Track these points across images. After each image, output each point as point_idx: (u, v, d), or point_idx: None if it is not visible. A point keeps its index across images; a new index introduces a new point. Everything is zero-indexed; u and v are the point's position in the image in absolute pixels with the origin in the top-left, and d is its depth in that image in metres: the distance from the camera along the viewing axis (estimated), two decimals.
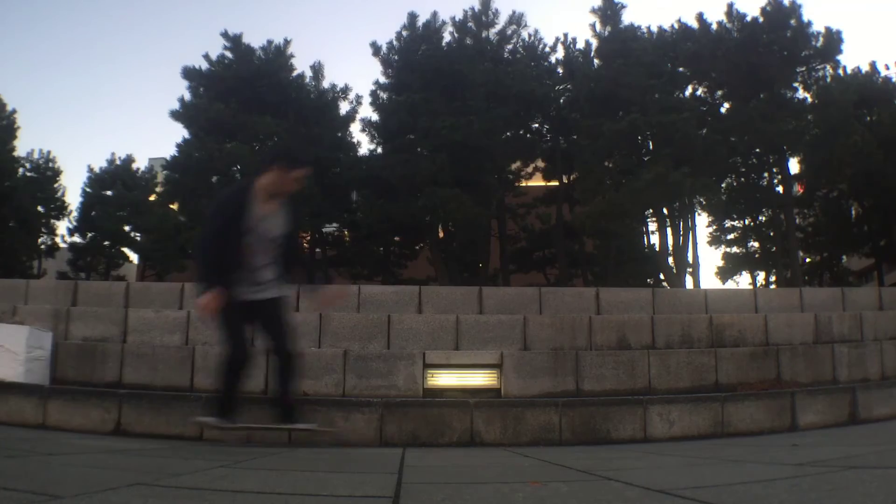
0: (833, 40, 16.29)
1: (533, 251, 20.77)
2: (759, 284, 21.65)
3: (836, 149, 15.58)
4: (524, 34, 19.47)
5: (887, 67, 23.97)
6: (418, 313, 5.41)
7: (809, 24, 16.31)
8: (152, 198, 21.21)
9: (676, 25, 17.72)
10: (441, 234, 18.82)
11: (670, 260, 17.04)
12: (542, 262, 20.60)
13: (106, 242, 21.26)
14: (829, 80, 16.73)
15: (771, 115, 15.26)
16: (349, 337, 4.84)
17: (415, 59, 17.69)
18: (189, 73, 18.24)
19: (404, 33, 18.49)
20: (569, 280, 18.55)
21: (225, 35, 18.94)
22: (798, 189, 19.89)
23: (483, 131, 16.01)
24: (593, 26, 17.70)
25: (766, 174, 18.31)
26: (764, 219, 20.19)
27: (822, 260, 22.01)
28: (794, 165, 18.44)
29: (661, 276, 18.10)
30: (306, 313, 5.16)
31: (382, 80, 18.58)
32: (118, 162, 22.40)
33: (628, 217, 16.12)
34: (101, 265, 21.44)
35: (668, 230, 16.93)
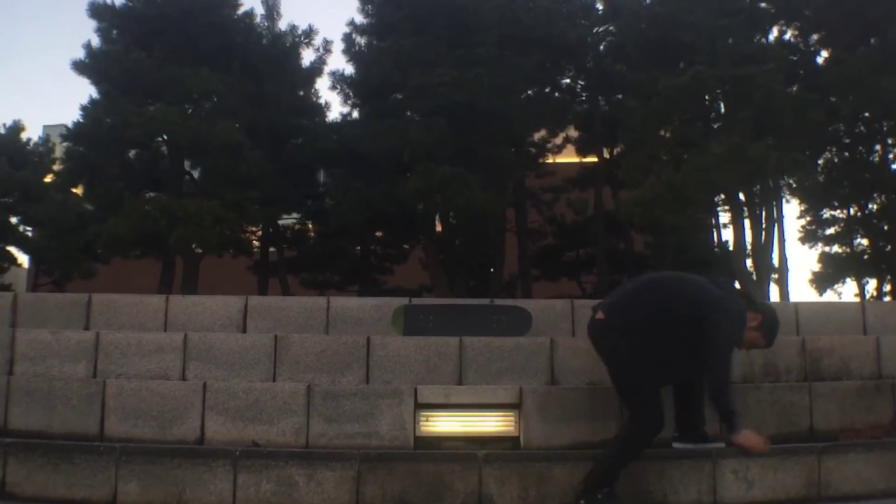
0: None
1: (563, 251, 20.83)
2: (868, 296, 21.59)
3: None
4: None
5: None
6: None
7: None
8: (48, 179, 21.23)
9: None
10: (439, 229, 18.84)
11: (748, 263, 17.05)
12: (575, 267, 20.65)
13: None
14: None
15: (885, 68, 15.24)
16: (314, 366, 4.84)
17: None
18: (98, 10, 18.17)
19: None
20: (611, 290, 18.61)
21: None
22: None
23: (495, 89, 16.01)
24: None
25: (877, 147, 18.28)
26: (875, 207, 20.05)
27: None
28: None
29: (737, 285, 18.11)
30: (255, 334, 5.15)
31: (359, 19, 18.62)
32: (1, 131, 22.42)
33: (692, 205, 16.12)
34: None
35: (746, 223, 16.94)
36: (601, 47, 18.80)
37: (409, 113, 17.12)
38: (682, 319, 3.66)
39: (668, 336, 3.65)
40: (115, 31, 18.13)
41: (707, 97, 16.00)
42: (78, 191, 19.17)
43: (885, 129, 17.43)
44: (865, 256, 20.78)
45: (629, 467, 3.61)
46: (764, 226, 16.92)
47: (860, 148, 18.42)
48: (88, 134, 17.07)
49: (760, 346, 4.05)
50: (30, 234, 21.54)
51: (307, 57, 19.81)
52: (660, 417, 3.62)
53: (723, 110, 16.09)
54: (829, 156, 18.68)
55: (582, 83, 19.94)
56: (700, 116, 16.26)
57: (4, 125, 22.59)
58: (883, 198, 19.14)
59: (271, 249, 20.10)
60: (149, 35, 17.52)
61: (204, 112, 17.04)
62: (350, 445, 4.10)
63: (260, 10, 19.65)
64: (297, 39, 19.40)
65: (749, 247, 16.98)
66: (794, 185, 18.34)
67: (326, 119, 19.94)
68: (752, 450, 3.66)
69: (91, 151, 17.24)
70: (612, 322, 3.79)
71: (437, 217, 18.22)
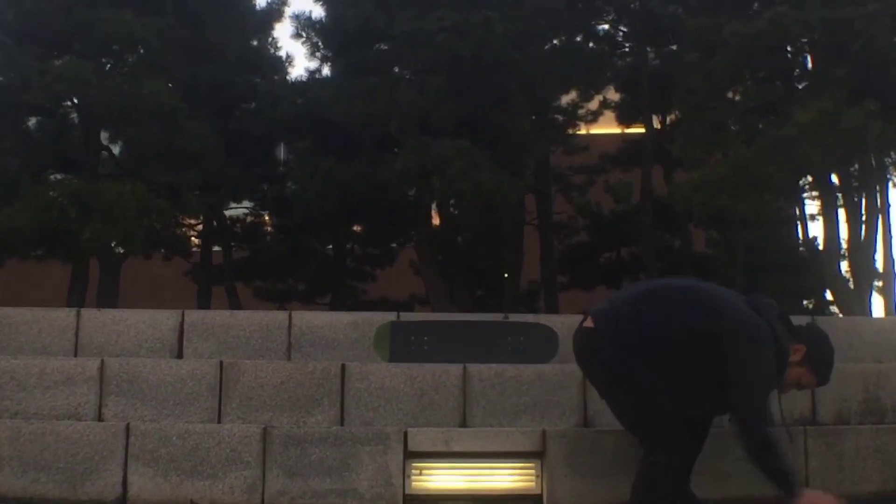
0: None
1: (599, 251, 20.82)
2: None
3: None
4: None
5: None
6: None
7: None
8: None
9: None
10: (436, 222, 18.85)
11: (843, 265, 17.04)
12: (615, 271, 20.64)
13: None
14: None
15: None
16: (272, 403, 4.85)
17: None
18: None
19: None
20: None
21: None
22: None
23: (510, 37, 16.01)
24: None
25: None
26: None
27: None
28: None
29: (828, 294, 18.09)
30: (194, 360, 5.15)
31: None
32: None
33: (768, 190, 16.12)
34: None
35: (840, 213, 16.94)
36: None
37: (396, 69, 17.11)
38: (696, 343, 3.68)
39: (679, 361, 3.68)
40: None
41: (789, 48, 16.00)
42: None
43: None
44: None
45: None
46: (864, 217, 16.89)
47: None
48: None
49: (810, 385, 4.10)
50: None
51: None
52: (684, 455, 3.67)
53: (810, 66, 16.08)
54: None
55: (624, 30, 19.94)
56: (780, 74, 16.25)
57: None
58: None
59: (215, 249, 20.07)
60: None
61: (127, 68, 17.01)
62: None
63: None
64: None
65: (845, 245, 16.97)
66: None
67: (288, 77, 19.92)
68: None
69: None
70: (604, 332, 3.81)
71: (433, 206, 18.21)
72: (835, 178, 16.74)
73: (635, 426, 3.85)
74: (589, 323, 3.90)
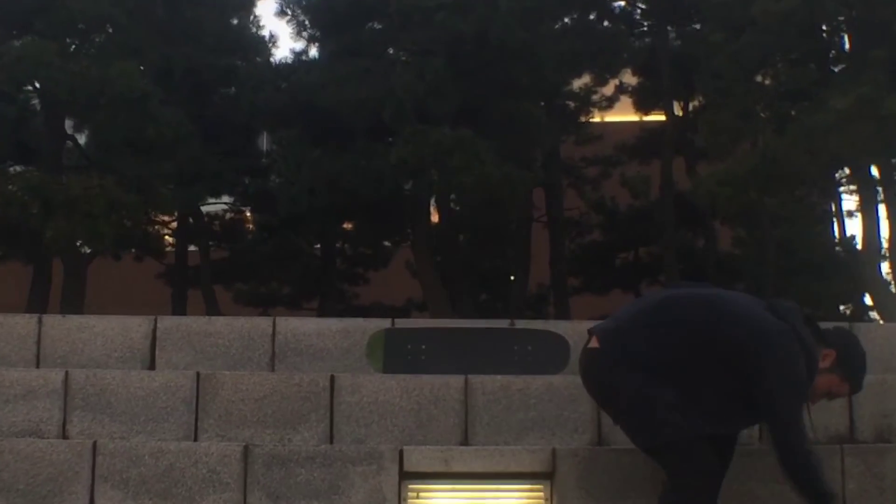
0: None
1: (615, 250, 20.83)
2: None
3: None
4: None
5: None
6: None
7: None
8: None
9: None
10: (435, 219, 18.86)
11: (883, 267, 17.03)
12: (631, 273, 20.67)
13: None
14: None
15: None
16: (254, 418, 4.85)
17: None
18: None
19: None
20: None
21: None
22: None
23: (516, 15, 16.03)
24: None
25: None
26: None
27: None
28: None
29: (867, 298, 18.09)
30: (168, 372, 5.15)
31: None
32: None
33: (801, 184, 16.13)
34: None
35: (881, 208, 16.95)
36: None
37: (391, 50, 17.11)
38: (716, 356, 3.67)
39: (697, 377, 3.67)
40: None
41: (824, 27, 15.99)
42: None
43: None
44: None
45: None
46: None
47: None
48: None
49: (842, 394, 4.07)
50: None
51: None
52: (711, 477, 3.67)
53: (847, 46, 16.07)
54: None
55: (643, 7, 19.93)
56: (814, 55, 16.25)
57: None
58: None
59: (191, 248, 20.08)
60: None
61: (94, 49, 17.02)
62: None
63: None
64: None
65: (885, 244, 16.97)
66: None
67: (271, 59, 19.92)
68: None
69: None
70: (612, 352, 3.80)
71: (432, 202, 18.22)
72: (875, 171, 16.74)
73: (655, 452, 3.82)
74: (594, 343, 3.88)
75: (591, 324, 4.12)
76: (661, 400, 3.65)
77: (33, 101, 17.72)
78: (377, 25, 17.26)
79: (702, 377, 3.66)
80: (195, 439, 4.76)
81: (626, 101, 20.48)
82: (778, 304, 3.86)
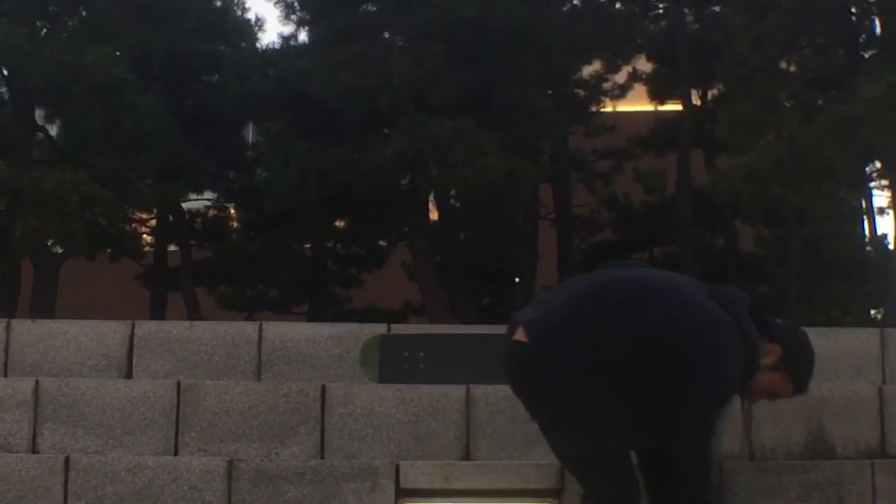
0: None
1: (628, 249, 20.80)
2: None
3: None
4: None
5: None
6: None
7: None
8: None
9: None
10: (434, 216, 18.87)
11: None
12: None
13: None
14: None
15: None
16: (239, 431, 4.87)
17: None
18: None
19: None
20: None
21: None
22: None
23: None
24: None
25: None
26: None
27: None
28: None
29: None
30: (147, 381, 5.17)
31: None
32: None
33: (829, 178, 16.14)
34: None
35: None
36: None
37: (387, 35, 17.12)
38: (650, 350, 3.54)
39: (627, 377, 3.54)
40: None
41: (854, 10, 16.00)
42: None
43: None
44: None
45: None
46: None
47: None
48: None
49: (785, 394, 3.93)
50: None
51: None
52: (626, 496, 3.60)
53: (879, 30, 16.09)
54: None
55: None
56: (843, 41, 16.26)
57: None
58: None
59: (172, 248, 20.12)
60: None
61: (67, 34, 17.04)
62: None
63: None
64: None
65: None
66: None
67: (258, 44, 19.96)
68: None
69: None
70: (540, 349, 3.64)
71: (431, 198, 18.24)
72: None
73: (576, 461, 3.73)
74: (521, 336, 3.68)
75: None
76: (589, 406, 3.54)
77: (1, 90, 17.74)
78: (372, 8, 17.28)
79: (633, 376, 3.54)
80: (175, 454, 4.77)
81: (639, 89, 20.49)
82: (723, 292, 3.76)
